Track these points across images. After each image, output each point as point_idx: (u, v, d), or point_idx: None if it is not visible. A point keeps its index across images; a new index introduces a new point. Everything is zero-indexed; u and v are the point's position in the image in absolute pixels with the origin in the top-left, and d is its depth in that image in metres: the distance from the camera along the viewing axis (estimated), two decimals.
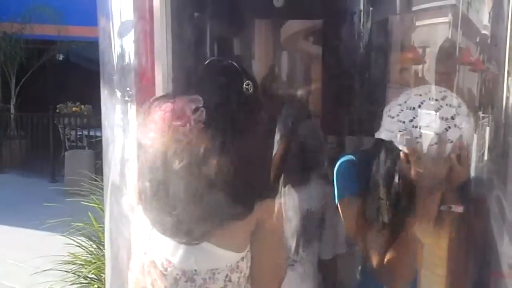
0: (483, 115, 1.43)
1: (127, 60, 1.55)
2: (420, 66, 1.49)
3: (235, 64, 1.37)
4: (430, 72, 1.42)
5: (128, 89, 1.56)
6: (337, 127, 1.89)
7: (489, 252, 1.44)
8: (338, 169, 1.49)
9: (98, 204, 3.13)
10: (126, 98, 1.55)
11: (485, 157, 1.47)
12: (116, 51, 1.57)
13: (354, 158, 1.47)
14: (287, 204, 1.75)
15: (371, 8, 1.76)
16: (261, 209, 1.29)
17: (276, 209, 1.43)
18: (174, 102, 1.30)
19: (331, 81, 1.86)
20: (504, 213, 1.42)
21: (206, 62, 1.40)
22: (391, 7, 1.67)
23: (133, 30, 1.54)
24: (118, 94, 1.53)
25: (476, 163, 1.47)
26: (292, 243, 1.76)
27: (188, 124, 1.27)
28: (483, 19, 1.46)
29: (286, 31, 1.93)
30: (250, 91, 1.35)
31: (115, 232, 1.56)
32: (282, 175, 1.71)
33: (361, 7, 1.80)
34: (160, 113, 1.29)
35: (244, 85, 1.35)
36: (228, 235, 1.28)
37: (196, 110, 1.29)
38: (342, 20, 1.82)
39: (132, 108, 1.53)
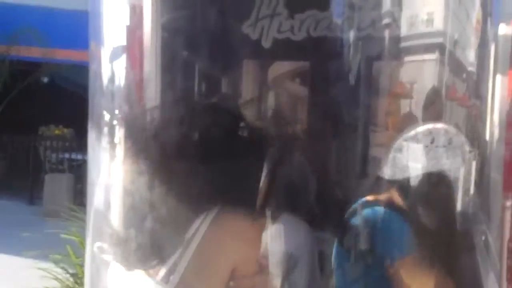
0: (469, 149, 1.47)
1: (116, 83, 1.58)
2: (408, 101, 1.52)
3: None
4: (418, 108, 1.46)
5: (116, 112, 1.59)
6: (324, 168, 1.89)
7: None
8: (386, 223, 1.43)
9: (77, 237, 3.09)
10: (114, 122, 1.57)
11: (471, 192, 1.49)
12: (106, 74, 1.60)
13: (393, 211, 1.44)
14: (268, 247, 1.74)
15: (359, 49, 1.79)
16: None
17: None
18: None
19: (318, 121, 1.87)
20: (489, 248, 1.45)
21: None
22: (379, 47, 1.70)
23: (124, 55, 1.58)
24: (107, 116, 1.54)
25: (462, 197, 1.50)
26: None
27: None
28: (469, 56, 1.52)
29: (273, 72, 1.96)
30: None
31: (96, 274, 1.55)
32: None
33: (349, 49, 1.84)
34: None
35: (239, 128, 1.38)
36: None
37: None
38: (329, 62, 1.85)
39: (120, 131, 1.56)
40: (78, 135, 10.49)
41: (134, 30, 1.57)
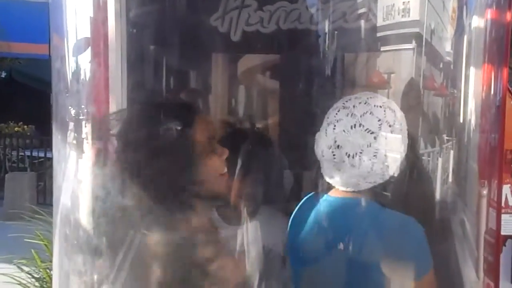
0: (447, 138, 1.46)
1: (82, 77, 1.52)
2: (385, 91, 1.51)
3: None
4: (395, 97, 1.44)
5: (83, 106, 1.53)
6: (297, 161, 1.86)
7: (455, 277, 1.45)
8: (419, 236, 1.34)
9: (42, 240, 2.99)
10: (81, 117, 1.52)
11: (450, 180, 1.48)
12: (70, 68, 1.54)
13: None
14: (244, 240, 1.71)
15: (333, 39, 1.76)
16: None
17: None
18: None
19: (288, 115, 1.85)
20: (467, 236, 1.45)
21: None
22: (353, 38, 1.66)
23: (89, 48, 1.51)
24: (72, 111, 1.48)
25: (440, 186, 1.49)
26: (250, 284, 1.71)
27: None
28: (446, 46, 1.50)
29: (243, 66, 1.92)
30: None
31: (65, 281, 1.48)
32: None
33: (321, 41, 1.81)
34: None
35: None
36: None
37: None
38: (301, 55, 1.81)
39: (86, 127, 1.50)
40: (39, 132, 10.21)
41: (99, 23, 1.51)
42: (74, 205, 1.43)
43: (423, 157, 1.45)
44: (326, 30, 1.67)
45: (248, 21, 1.82)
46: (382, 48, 1.53)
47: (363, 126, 1.32)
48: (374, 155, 1.30)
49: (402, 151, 1.33)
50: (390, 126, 1.33)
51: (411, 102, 1.42)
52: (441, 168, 1.43)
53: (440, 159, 1.42)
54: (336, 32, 1.68)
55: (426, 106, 1.48)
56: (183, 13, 1.60)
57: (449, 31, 1.49)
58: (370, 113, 1.33)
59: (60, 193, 1.50)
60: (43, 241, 2.99)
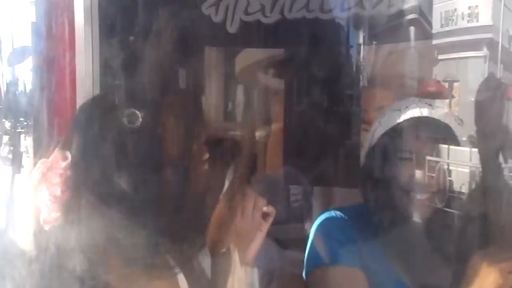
0: None
1: (21, 89, 1.41)
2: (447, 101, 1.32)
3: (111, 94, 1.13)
4: (460, 107, 1.25)
5: (21, 119, 1.44)
6: (302, 176, 1.63)
7: None
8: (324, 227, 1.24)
9: None
10: (19, 130, 1.43)
11: None
12: (4, 79, 1.46)
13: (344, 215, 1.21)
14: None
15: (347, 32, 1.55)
16: None
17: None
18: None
19: (295, 121, 1.61)
20: None
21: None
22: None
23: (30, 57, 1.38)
24: (7, 124, 1.40)
25: None
26: None
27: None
28: None
29: (241, 62, 1.67)
30: (135, 122, 1.07)
31: None
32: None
33: (334, 31, 1.59)
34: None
35: (125, 117, 1.08)
36: None
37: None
38: (311, 49, 1.58)
39: (26, 140, 1.41)
40: None
41: (57, 14, 1.31)
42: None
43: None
44: (342, 18, 1.44)
45: (247, 9, 1.62)
46: (440, 56, 1.34)
47: None
48: None
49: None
50: None
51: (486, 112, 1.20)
52: None
53: None
54: (354, 20, 1.45)
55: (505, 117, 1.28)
56: None
57: None
58: None
59: None
60: None
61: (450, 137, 1.14)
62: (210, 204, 1.27)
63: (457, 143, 1.16)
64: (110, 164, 1.05)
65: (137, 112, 1.04)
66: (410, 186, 1.06)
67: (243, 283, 1.37)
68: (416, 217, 1.09)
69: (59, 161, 1.04)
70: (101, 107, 1.11)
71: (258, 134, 1.64)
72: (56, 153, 1.04)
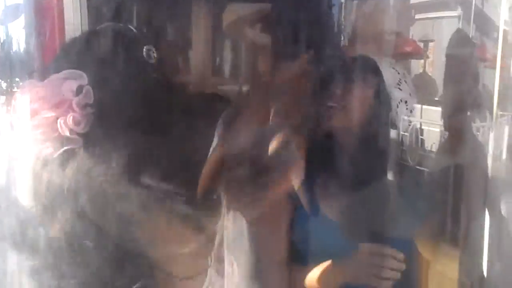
0: (501, 113, 1.29)
1: (15, 48, 1.36)
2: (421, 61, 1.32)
3: (130, 27, 1.08)
4: (434, 67, 1.26)
5: (17, 79, 1.38)
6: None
7: None
8: None
9: None
10: (15, 89, 1.34)
11: (504, 156, 1.38)
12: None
13: None
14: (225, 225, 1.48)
15: None
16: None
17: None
18: (44, 85, 0.98)
19: (285, 75, 1.58)
20: None
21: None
22: None
23: (23, 15, 1.33)
24: (3, 85, 1.35)
25: (493, 163, 1.39)
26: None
27: (70, 111, 0.97)
28: (502, 13, 1.33)
29: (228, 16, 1.62)
30: (152, 58, 1.06)
31: None
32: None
33: None
34: (27, 106, 0.97)
35: (144, 51, 1.06)
36: None
37: (79, 89, 0.98)
38: (296, 4, 1.54)
39: None
40: None
41: None
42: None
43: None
44: None
45: None
46: (417, 16, 1.31)
47: None
48: None
49: None
50: None
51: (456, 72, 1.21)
52: (494, 144, 1.26)
53: (491, 135, 1.25)
54: None
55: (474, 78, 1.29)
56: None
57: None
58: None
59: None
60: None
61: None
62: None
63: None
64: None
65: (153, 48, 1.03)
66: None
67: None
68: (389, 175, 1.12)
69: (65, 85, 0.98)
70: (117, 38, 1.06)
71: (246, 88, 1.63)
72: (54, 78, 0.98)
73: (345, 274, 1.44)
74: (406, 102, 1.26)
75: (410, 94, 1.25)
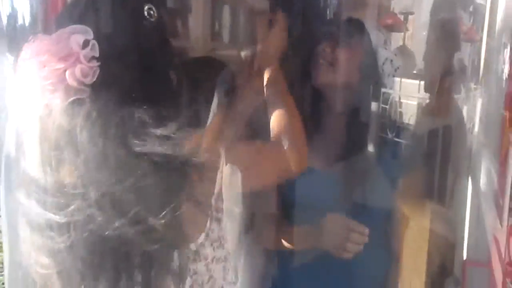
0: (474, 86, 1.33)
1: (20, 22, 1.35)
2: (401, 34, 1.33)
3: None
4: (413, 40, 1.27)
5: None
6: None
7: None
8: None
9: None
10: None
11: (476, 129, 1.41)
12: (4, 12, 1.38)
13: None
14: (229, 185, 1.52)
15: None
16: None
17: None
18: (51, 38, 1.02)
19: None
20: (493, 186, 1.37)
21: None
22: None
23: None
24: (10, 58, 1.29)
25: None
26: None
27: (78, 63, 1.01)
28: None
29: None
30: (152, 17, 1.10)
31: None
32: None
33: None
34: (35, 58, 1.01)
35: (145, 9, 1.10)
36: None
37: (86, 43, 1.03)
38: None
39: None
40: None
41: None
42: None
43: None
44: None
45: None
46: None
47: None
48: None
49: None
50: None
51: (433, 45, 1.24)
52: (467, 116, 1.29)
53: (465, 107, 1.28)
54: None
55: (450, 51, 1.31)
56: None
57: None
58: None
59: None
60: None
61: None
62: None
63: None
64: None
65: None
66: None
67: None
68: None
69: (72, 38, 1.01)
70: None
71: (244, 53, 1.66)
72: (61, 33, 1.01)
73: (314, 239, 1.46)
74: (391, 61, 1.29)
75: (395, 54, 1.28)
